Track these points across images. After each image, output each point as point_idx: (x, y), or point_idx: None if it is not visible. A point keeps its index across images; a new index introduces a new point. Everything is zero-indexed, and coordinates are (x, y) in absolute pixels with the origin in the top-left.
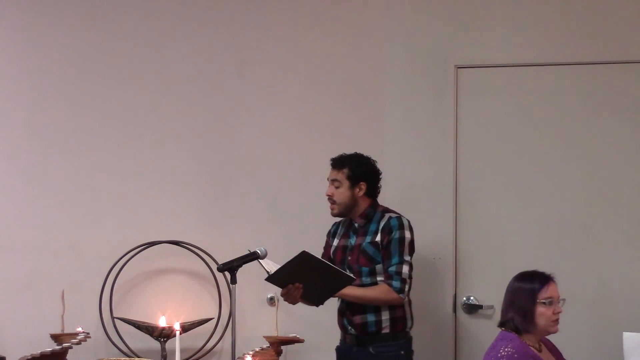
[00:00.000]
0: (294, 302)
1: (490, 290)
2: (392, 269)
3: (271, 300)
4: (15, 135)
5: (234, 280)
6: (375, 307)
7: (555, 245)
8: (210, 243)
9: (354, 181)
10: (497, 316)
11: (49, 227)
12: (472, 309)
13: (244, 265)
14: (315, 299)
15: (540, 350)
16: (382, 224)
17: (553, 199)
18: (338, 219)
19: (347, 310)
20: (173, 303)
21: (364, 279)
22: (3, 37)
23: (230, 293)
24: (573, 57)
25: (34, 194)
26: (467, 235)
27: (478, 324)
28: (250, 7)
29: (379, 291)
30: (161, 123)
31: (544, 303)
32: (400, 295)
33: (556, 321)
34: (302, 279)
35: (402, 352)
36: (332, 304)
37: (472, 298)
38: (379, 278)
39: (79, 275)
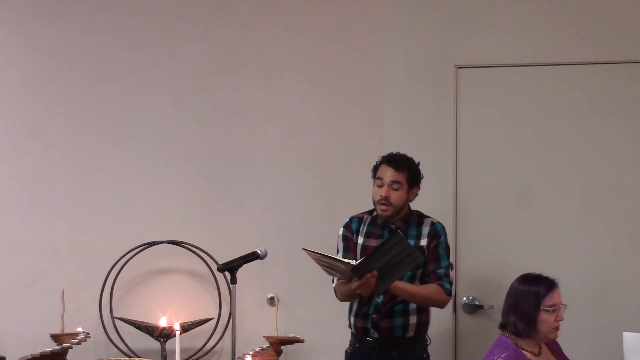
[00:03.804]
0: (367, 293)
1: (490, 290)
2: (442, 271)
3: (271, 300)
4: (16, 136)
5: (234, 280)
6: (404, 312)
7: (555, 245)
8: (210, 243)
9: (411, 185)
10: (497, 316)
11: (49, 227)
12: (472, 309)
13: (244, 265)
14: (378, 288)
15: (539, 354)
16: (426, 229)
17: (553, 199)
18: (354, 214)
19: (375, 313)
20: (173, 303)
21: (404, 282)
22: (2, 39)
23: (230, 293)
24: (573, 57)
25: (34, 194)
26: (467, 235)
27: (478, 324)
28: (250, 8)
29: (431, 291)
30: (161, 123)
31: (547, 310)
32: (449, 297)
33: (557, 328)
34: (377, 266)
35: (425, 355)
36: (334, 305)
37: (472, 298)
38: (416, 283)
39: (79, 275)
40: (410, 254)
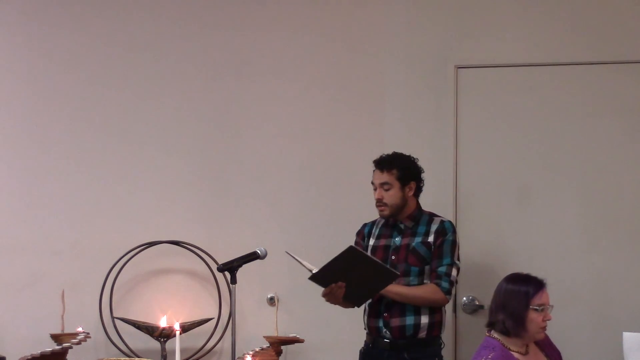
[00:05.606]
0: (336, 302)
1: (491, 290)
2: (442, 269)
3: (271, 300)
4: (16, 136)
5: (234, 280)
6: (415, 310)
7: (555, 245)
8: (210, 243)
9: (404, 181)
10: None
11: (49, 227)
12: (472, 309)
13: (244, 265)
14: (356, 299)
15: (526, 353)
16: (434, 226)
17: (553, 199)
18: (368, 220)
19: (386, 312)
20: (173, 303)
21: (411, 279)
22: (2, 39)
23: (230, 293)
24: (573, 57)
25: (34, 194)
26: (467, 235)
27: (478, 324)
28: (250, 9)
29: (426, 290)
30: (161, 123)
31: (536, 309)
32: (447, 296)
33: (544, 328)
34: (345, 277)
35: (437, 359)
36: (334, 305)
37: (472, 298)
38: (425, 281)
39: (79, 275)
40: (378, 269)
